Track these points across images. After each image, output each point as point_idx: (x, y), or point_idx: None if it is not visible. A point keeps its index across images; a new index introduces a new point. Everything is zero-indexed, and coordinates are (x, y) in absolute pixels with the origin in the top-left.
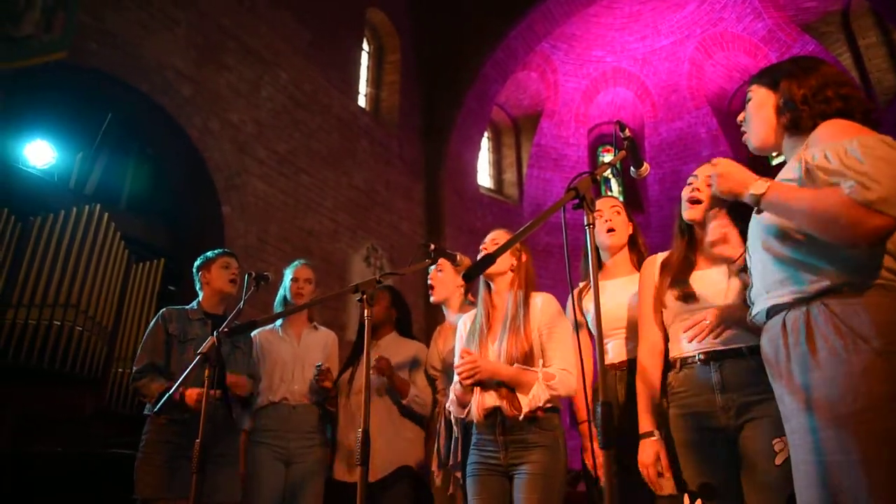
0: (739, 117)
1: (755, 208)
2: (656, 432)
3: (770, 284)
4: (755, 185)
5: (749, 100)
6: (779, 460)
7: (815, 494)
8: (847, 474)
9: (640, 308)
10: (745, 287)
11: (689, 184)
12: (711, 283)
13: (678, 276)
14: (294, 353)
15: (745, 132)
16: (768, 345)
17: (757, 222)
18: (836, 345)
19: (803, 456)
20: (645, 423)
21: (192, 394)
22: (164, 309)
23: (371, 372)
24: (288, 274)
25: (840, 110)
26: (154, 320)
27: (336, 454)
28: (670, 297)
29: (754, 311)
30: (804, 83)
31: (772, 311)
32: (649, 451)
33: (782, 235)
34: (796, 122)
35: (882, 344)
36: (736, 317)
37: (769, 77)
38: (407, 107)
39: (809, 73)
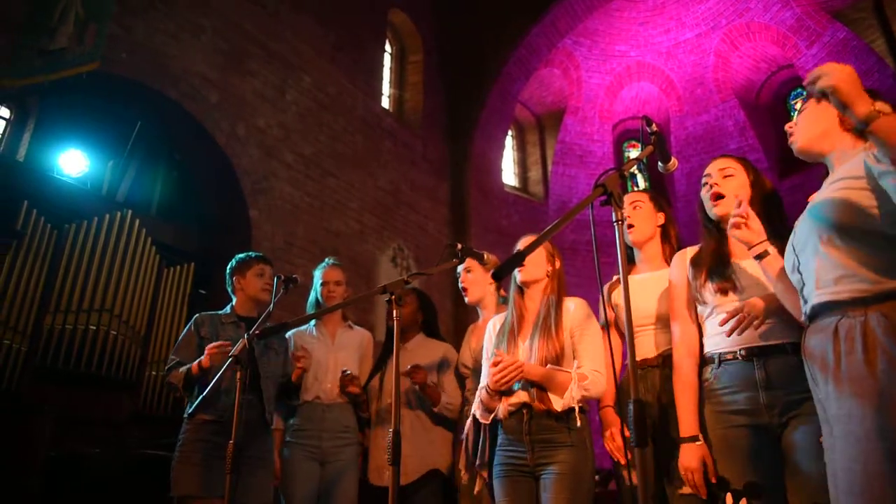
0: (788, 126)
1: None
2: (701, 436)
3: (826, 281)
4: (879, 103)
5: (805, 99)
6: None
7: (855, 501)
8: (893, 485)
9: (672, 305)
10: (781, 275)
11: (705, 183)
12: (751, 273)
13: (716, 269)
14: (328, 353)
15: (791, 133)
16: (817, 346)
17: (814, 217)
18: None
19: (845, 463)
20: (688, 426)
21: (210, 353)
22: (196, 315)
23: (403, 378)
24: (317, 277)
25: None
26: (188, 327)
27: (369, 458)
28: (709, 290)
29: (805, 308)
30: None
31: (823, 309)
32: (694, 456)
33: (845, 232)
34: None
35: None
36: (774, 307)
37: None
38: (430, 107)
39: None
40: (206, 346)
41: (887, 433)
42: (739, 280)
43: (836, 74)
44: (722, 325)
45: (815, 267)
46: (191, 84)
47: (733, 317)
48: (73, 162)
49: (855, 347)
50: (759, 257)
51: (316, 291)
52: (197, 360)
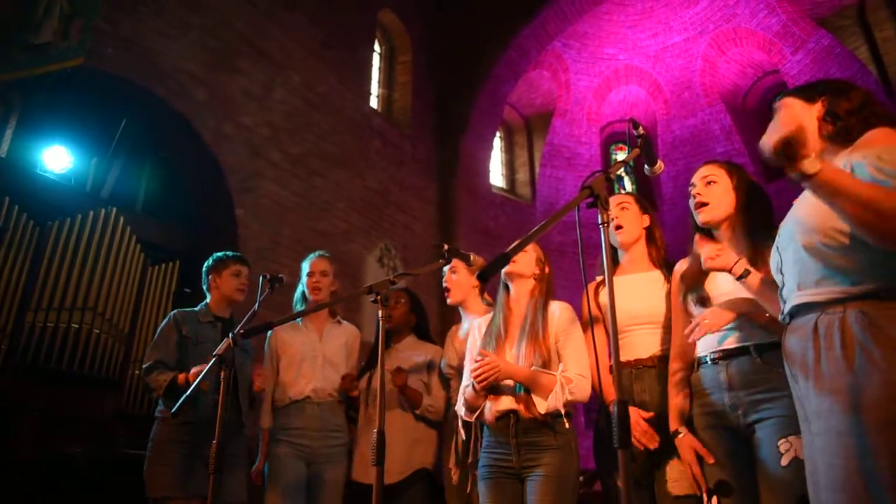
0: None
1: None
2: (682, 429)
3: (805, 282)
4: (810, 161)
5: (778, 110)
6: (784, 461)
7: (837, 497)
8: (871, 479)
9: (672, 310)
10: (762, 286)
11: (690, 192)
12: (724, 286)
13: (694, 283)
14: (316, 349)
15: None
16: (796, 344)
17: (796, 220)
18: (875, 354)
19: (828, 459)
20: (672, 421)
21: (194, 372)
22: (174, 311)
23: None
24: (304, 268)
25: (890, 125)
26: (166, 321)
27: (354, 457)
28: (691, 303)
29: (785, 308)
30: (851, 98)
31: (802, 309)
32: (686, 449)
33: (825, 234)
34: (847, 129)
35: None
36: (737, 313)
37: (806, 92)
38: (419, 107)
39: (852, 90)
40: (190, 345)
41: (865, 428)
42: (715, 290)
43: (783, 138)
44: (686, 333)
45: (796, 268)
46: (178, 81)
47: (697, 325)
48: (56, 158)
49: (833, 344)
50: (741, 278)
51: (302, 284)
52: (184, 373)
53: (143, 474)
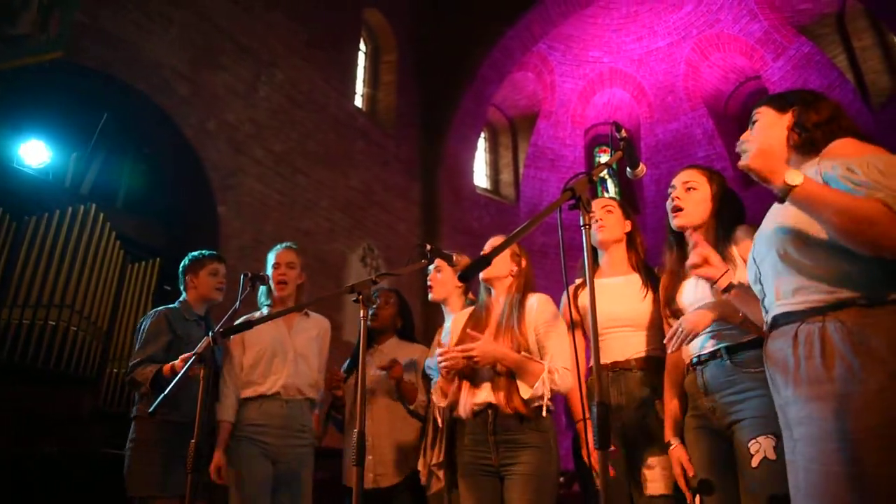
0: (744, 136)
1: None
2: (674, 440)
3: (784, 293)
4: (790, 175)
5: (755, 121)
6: (755, 462)
7: (817, 503)
8: (851, 486)
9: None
10: (743, 295)
11: (669, 194)
12: (688, 294)
13: (669, 295)
14: (287, 343)
15: (746, 150)
16: (778, 351)
17: (771, 231)
18: (854, 363)
19: (807, 464)
20: (667, 431)
21: (178, 364)
22: (162, 309)
23: (379, 372)
24: (270, 259)
25: (855, 137)
26: (154, 319)
27: (344, 460)
28: (666, 313)
29: (767, 318)
30: (820, 110)
31: (782, 319)
32: (674, 460)
33: (801, 243)
34: (812, 141)
35: None
36: (714, 315)
37: (778, 102)
38: (403, 107)
39: (821, 101)
40: (182, 344)
41: (846, 435)
42: (685, 301)
43: (751, 155)
44: (665, 343)
45: (773, 279)
46: (161, 77)
47: (674, 335)
48: (34, 152)
49: (813, 353)
50: (726, 291)
51: (269, 276)
52: (170, 364)
53: (125, 473)
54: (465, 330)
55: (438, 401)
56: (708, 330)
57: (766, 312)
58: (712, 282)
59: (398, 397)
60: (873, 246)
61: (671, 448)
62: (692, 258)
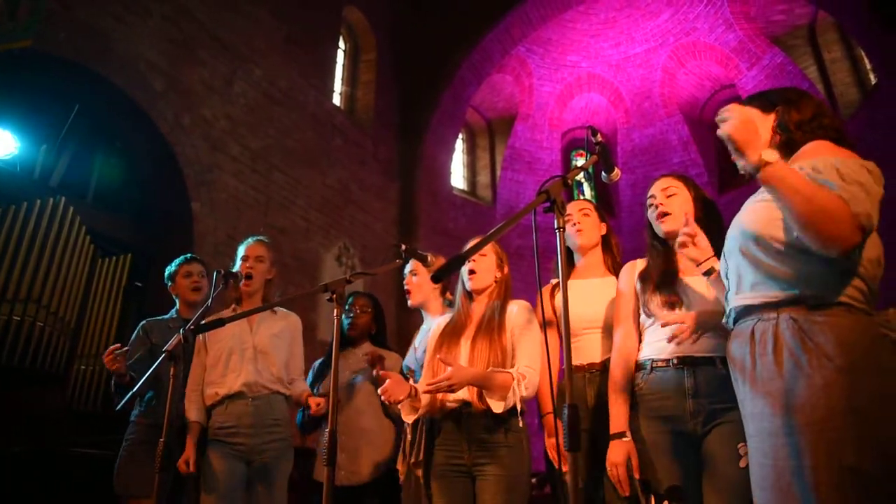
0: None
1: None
2: (628, 433)
3: (744, 286)
4: (766, 152)
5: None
6: (742, 463)
7: (767, 496)
8: (799, 478)
9: (616, 313)
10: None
11: (651, 204)
12: (697, 289)
13: (664, 284)
14: (246, 341)
15: (727, 119)
16: (737, 350)
17: (737, 229)
18: (802, 359)
19: (759, 459)
20: (616, 423)
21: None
22: (143, 322)
23: (361, 364)
24: (239, 252)
25: (833, 139)
26: (134, 334)
27: (318, 456)
28: (655, 304)
29: (728, 312)
30: (802, 109)
31: (741, 313)
32: (620, 451)
33: (761, 242)
34: (791, 142)
35: (844, 362)
36: (712, 323)
37: (761, 101)
38: (382, 106)
39: (803, 99)
40: (160, 352)
41: (793, 429)
42: (686, 295)
43: (732, 123)
44: (662, 328)
45: (736, 274)
46: (136, 69)
47: (676, 323)
48: (1, 143)
49: (767, 349)
50: (707, 273)
51: (236, 269)
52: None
53: (114, 474)
54: (434, 356)
55: (406, 417)
56: (704, 333)
57: (728, 304)
58: (696, 263)
59: (374, 394)
60: (826, 238)
61: (623, 440)
62: (680, 237)
